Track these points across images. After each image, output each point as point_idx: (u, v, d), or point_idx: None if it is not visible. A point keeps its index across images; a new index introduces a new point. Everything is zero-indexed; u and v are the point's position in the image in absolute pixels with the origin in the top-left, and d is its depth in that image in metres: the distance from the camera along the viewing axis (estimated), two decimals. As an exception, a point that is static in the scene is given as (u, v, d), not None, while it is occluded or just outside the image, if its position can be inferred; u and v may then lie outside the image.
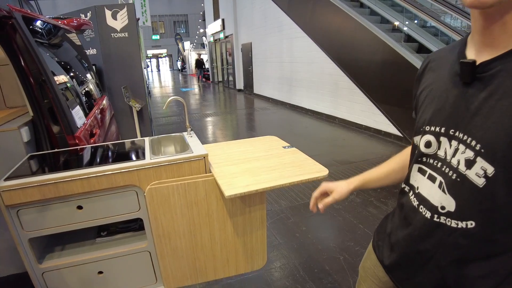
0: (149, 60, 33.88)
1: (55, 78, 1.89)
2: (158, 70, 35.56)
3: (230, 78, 14.69)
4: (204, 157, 1.47)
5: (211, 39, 16.87)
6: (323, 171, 1.47)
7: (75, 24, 3.27)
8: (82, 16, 5.00)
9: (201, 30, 25.16)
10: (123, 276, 1.50)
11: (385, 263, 0.90)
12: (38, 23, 2.10)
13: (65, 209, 1.32)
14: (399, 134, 5.28)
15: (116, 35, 5.09)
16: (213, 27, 15.80)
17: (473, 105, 0.67)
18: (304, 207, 3.24)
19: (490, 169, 0.64)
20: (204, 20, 19.00)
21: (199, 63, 19.42)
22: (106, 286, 1.47)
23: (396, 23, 5.87)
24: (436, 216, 0.74)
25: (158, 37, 31.25)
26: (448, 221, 0.72)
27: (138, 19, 6.43)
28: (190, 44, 26.60)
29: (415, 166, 0.82)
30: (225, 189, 1.30)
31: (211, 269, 1.57)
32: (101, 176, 1.32)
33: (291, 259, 2.42)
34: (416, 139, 0.81)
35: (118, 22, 5.06)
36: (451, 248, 0.72)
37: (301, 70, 8.21)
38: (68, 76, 2.42)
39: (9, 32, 1.56)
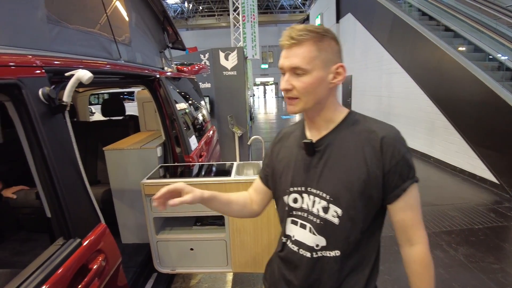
0: (257, 87, 36.51)
1: (188, 107, 2.76)
2: (264, 97, 38.03)
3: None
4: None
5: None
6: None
7: (196, 69, 4.30)
8: (202, 56, 6.22)
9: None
10: (206, 255, 2.15)
11: None
12: (170, 75, 3.05)
13: (177, 202, 2.06)
14: (496, 181, 4.91)
15: (226, 73, 6.17)
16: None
17: (318, 169, 0.94)
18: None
19: (339, 211, 0.91)
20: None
21: None
22: (194, 259, 2.15)
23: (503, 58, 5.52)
24: (314, 253, 0.95)
25: (267, 66, 33.64)
26: (324, 252, 0.95)
27: (247, 57, 7.51)
28: (295, 73, 27.90)
29: (289, 219, 1.02)
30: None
31: (266, 264, 2.12)
32: (201, 184, 2.02)
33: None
34: (285, 198, 1.02)
35: (229, 62, 6.14)
36: (331, 272, 0.95)
37: (398, 105, 8.18)
38: (186, 104, 3.34)
39: (155, 86, 2.46)
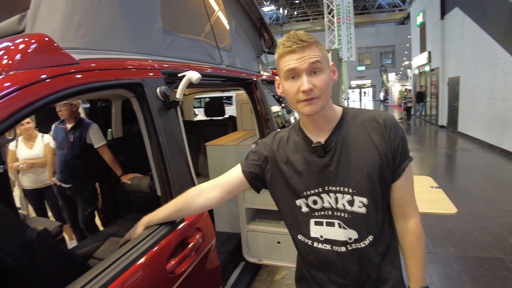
0: (352, 90, 35.28)
1: (281, 109, 2.92)
2: (360, 100, 36.49)
3: (433, 112, 13.72)
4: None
5: (416, 71, 16.27)
6: (451, 210, 1.74)
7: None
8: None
9: (406, 62, 24.33)
10: (292, 250, 2.21)
11: None
12: (266, 78, 3.22)
13: (269, 196, 2.18)
14: None
15: (320, 75, 6.18)
16: (419, 59, 15.24)
17: (332, 167, 0.97)
18: (474, 261, 3.02)
19: (365, 200, 0.96)
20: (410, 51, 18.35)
21: (421, 95, 15.05)
22: (279, 253, 2.24)
23: None
24: (348, 246, 0.99)
25: (363, 68, 32.24)
26: (358, 244, 0.99)
27: (341, 59, 7.37)
28: (396, 75, 26.16)
29: (311, 221, 1.03)
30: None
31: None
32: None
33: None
34: (298, 201, 1.03)
35: (324, 64, 6.13)
36: (368, 260, 1.00)
37: (517, 111, 7.04)
38: (279, 106, 3.49)
39: (252, 88, 2.63)
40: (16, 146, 3.25)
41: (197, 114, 8.55)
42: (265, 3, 26.38)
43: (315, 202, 1.01)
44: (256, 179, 1.11)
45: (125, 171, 2.93)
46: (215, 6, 2.39)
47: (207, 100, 7.59)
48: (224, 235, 2.70)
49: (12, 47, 0.95)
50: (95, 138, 2.85)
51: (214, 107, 3.84)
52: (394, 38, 29.90)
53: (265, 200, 2.18)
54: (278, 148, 1.08)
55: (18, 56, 0.92)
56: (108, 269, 0.94)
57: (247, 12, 3.04)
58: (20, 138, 3.28)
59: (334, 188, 0.98)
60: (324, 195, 1.00)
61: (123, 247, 1.05)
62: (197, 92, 4.51)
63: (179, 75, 1.44)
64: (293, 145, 1.05)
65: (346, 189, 0.96)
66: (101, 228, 3.20)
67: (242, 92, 3.01)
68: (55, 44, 1.01)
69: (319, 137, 1.00)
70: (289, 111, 4.10)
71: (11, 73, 0.88)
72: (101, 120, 3.23)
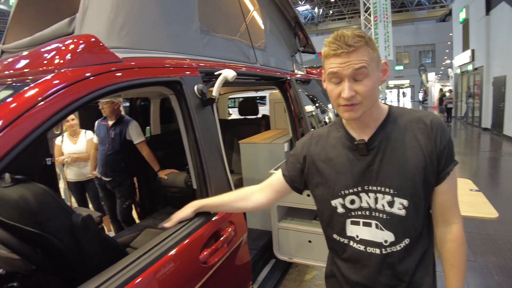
0: (390, 91, 34.16)
1: (314, 108, 2.93)
2: (398, 101, 35.26)
3: (475, 114, 12.98)
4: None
5: (458, 70, 15.46)
6: (492, 214, 1.65)
7: (325, 71, 4.39)
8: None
9: (447, 61, 23.17)
10: (323, 250, 2.19)
11: None
12: (300, 78, 3.21)
13: (298, 194, 2.18)
14: None
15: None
16: (461, 58, 14.50)
17: (374, 166, 0.95)
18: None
19: (405, 202, 0.93)
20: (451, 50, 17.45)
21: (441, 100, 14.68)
22: (310, 252, 2.23)
23: None
24: (383, 249, 0.97)
25: (401, 67, 31.12)
26: (394, 248, 0.96)
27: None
28: (435, 75, 25.00)
29: (348, 221, 1.01)
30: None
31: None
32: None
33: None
34: (334, 202, 1.01)
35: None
36: (403, 263, 0.97)
37: None
38: (312, 105, 3.47)
39: (286, 87, 2.64)
40: (62, 141, 3.49)
41: (231, 114, 8.69)
42: (300, 2, 26.21)
43: (352, 202, 0.99)
44: (297, 181, 1.11)
45: (162, 166, 3.05)
46: (250, 6, 2.43)
47: (240, 99, 7.71)
48: (256, 232, 2.73)
49: (63, 48, 1.04)
50: (135, 134, 2.99)
51: (248, 106, 3.88)
52: (434, 36, 28.59)
53: (296, 198, 2.18)
54: (316, 146, 1.07)
55: (68, 56, 1.00)
56: (145, 255, 1.00)
57: (282, 12, 3.05)
58: (65, 134, 3.51)
59: (374, 188, 0.96)
60: (363, 195, 0.98)
61: (159, 236, 1.11)
62: (231, 92, 4.58)
63: (216, 73, 1.49)
64: (334, 141, 1.03)
65: (387, 190, 0.94)
66: (137, 221, 3.34)
67: (275, 91, 3.02)
68: (101, 44, 1.09)
69: (362, 135, 0.97)
70: (324, 111, 4.06)
71: (62, 70, 0.96)
72: (140, 118, 3.39)
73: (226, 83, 1.51)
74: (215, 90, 1.43)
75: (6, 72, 1.09)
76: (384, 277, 0.99)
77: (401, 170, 0.93)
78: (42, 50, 1.10)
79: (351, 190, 0.98)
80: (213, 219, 1.29)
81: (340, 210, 1.01)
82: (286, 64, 3.08)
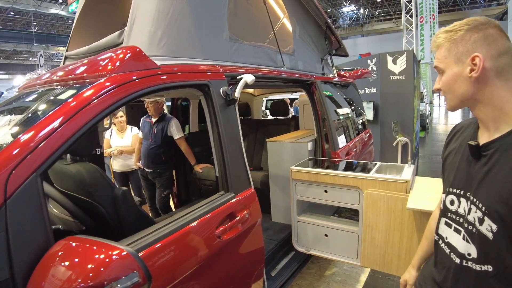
0: (437, 95, 32.34)
1: (342, 110, 3.13)
2: (439, 106, 33.36)
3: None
4: (406, 182, 2.04)
5: None
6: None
7: (359, 74, 4.45)
8: (369, 61, 6.24)
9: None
10: (339, 244, 2.34)
11: None
12: (327, 80, 3.35)
13: (318, 190, 2.33)
14: None
15: (394, 77, 5.97)
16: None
17: (479, 175, 0.87)
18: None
19: (494, 226, 0.82)
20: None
21: None
22: (327, 245, 2.37)
23: None
24: (464, 261, 0.90)
25: (452, 70, 29.38)
26: (474, 265, 0.87)
27: (420, 61, 7.00)
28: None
29: (442, 220, 1.00)
30: (408, 202, 1.87)
31: (394, 265, 2.10)
32: (341, 176, 2.22)
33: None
34: (443, 196, 1.00)
35: (397, 66, 5.92)
36: (475, 285, 0.88)
37: None
38: (349, 109, 3.61)
39: (312, 89, 2.80)
40: (110, 135, 3.92)
41: (267, 115, 8.91)
42: (344, 3, 25.80)
43: (452, 203, 0.96)
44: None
45: (198, 161, 3.39)
46: (281, 14, 2.63)
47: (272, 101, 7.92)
48: (279, 226, 2.92)
49: (114, 56, 1.32)
50: (175, 131, 3.32)
51: (279, 107, 4.08)
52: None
53: (314, 193, 2.34)
54: (453, 137, 1.06)
55: (117, 63, 1.27)
56: (172, 223, 1.24)
57: (314, 18, 3.21)
58: (114, 129, 3.94)
59: (472, 198, 0.89)
60: (462, 200, 0.92)
61: (184, 210, 1.36)
62: (264, 94, 4.80)
63: (238, 77, 1.71)
64: (465, 134, 1.00)
65: (480, 205, 0.85)
66: (174, 210, 3.68)
67: (304, 93, 3.20)
68: (143, 54, 1.35)
69: (484, 137, 0.90)
70: (359, 114, 4.14)
71: (112, 75, 1.23)
72: (180, 117, 3.76)
73: (256, 85, 1.74)
74: (236, 92, 1.65)
75: (70, 76, 1.39)
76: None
77: (501, 191, 0.81)
78: (98, 58, 1.39)
79: (455, 190, 0.95)
80: (231, 201, 1.51)
81: (441, 206, 1.00)
82: (315, 67, 3.23)
